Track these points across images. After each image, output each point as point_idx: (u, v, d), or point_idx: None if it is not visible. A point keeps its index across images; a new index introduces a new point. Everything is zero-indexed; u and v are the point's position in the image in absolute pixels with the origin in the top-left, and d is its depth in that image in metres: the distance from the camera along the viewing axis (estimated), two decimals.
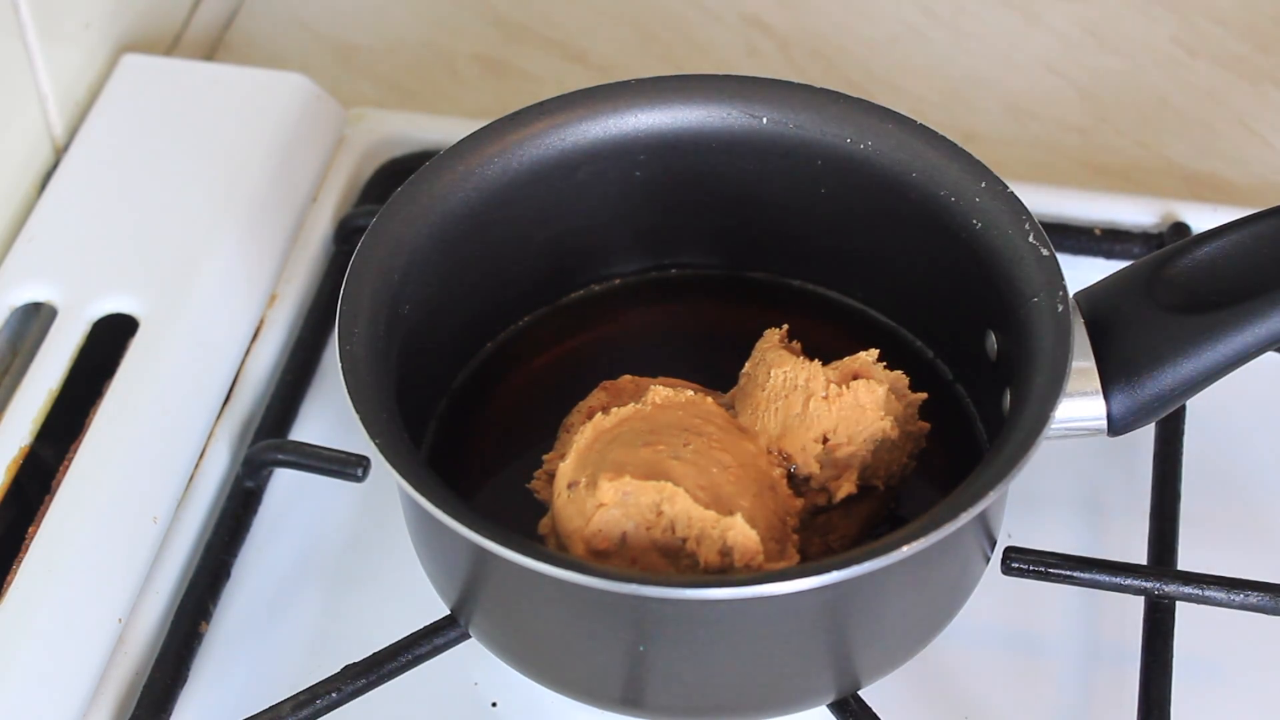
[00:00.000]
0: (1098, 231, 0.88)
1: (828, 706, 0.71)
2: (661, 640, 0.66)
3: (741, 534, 0.66)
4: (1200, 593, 0.74)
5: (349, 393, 0.68)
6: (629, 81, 0.77)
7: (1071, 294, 0.70)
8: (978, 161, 0.73)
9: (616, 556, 0.67)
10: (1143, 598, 0.75)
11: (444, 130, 0.92)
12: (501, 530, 0.64)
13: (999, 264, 0.71)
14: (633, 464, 0.68)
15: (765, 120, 0.76)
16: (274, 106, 0.90)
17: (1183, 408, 0.81)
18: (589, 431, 0.70)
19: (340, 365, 0.68)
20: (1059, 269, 0.70)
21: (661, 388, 0.72)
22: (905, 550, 0.63)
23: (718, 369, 0.76)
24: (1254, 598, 0.74)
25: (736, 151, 0.76)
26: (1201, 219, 0.88)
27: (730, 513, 0.67)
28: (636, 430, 0.70)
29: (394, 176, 0.92)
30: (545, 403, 0.76)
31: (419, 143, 0.93)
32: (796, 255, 0.80)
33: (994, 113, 0.98)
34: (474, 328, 0.79)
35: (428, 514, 0.65)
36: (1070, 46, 1.01)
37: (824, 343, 0.75)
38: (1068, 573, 0.74)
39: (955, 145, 0.74)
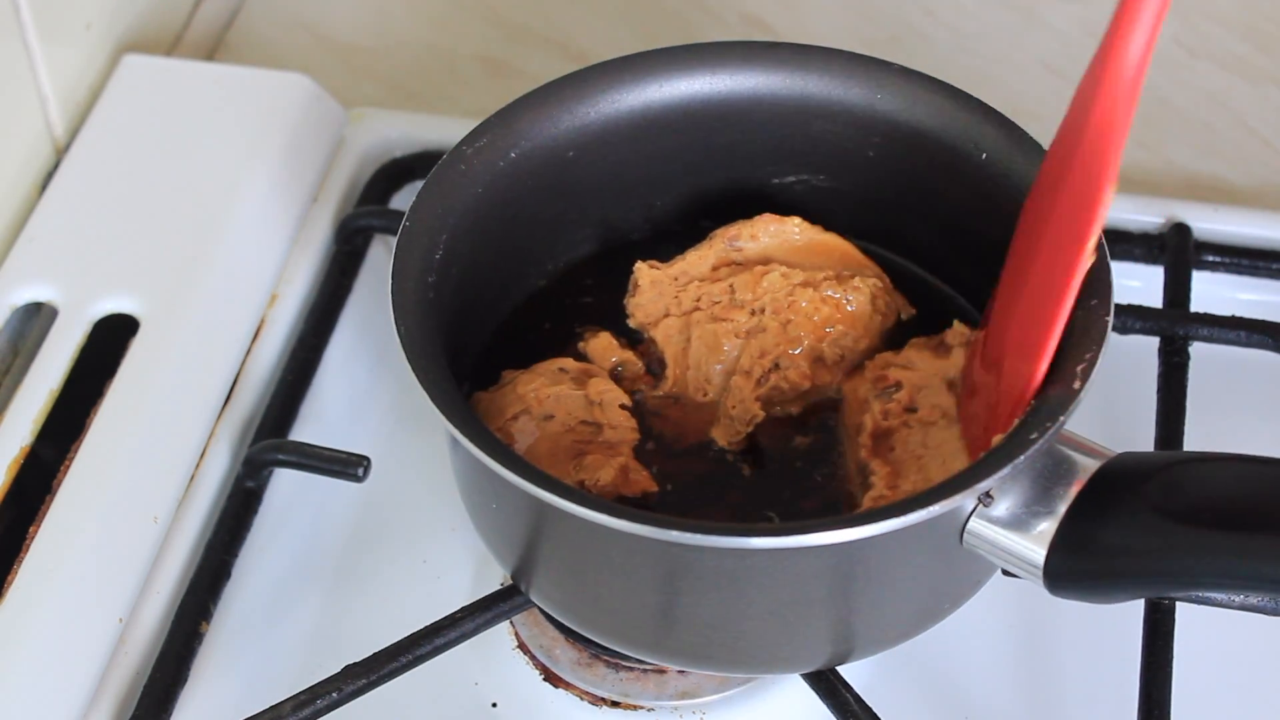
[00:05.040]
0: None
1: (824, 701, 0.71)
2: (690, 586, 0.67)
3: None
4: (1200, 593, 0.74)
5: (408, 357, 0.68)
6: (738, 43, 0.77)
7: (1114, 454, 0.67)
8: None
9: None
10: (1143, 598, 0.75)
11: (444, 130, 0.92)
12: (560, 483, 0.65)
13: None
14: None
15: (878, 98, 0.76)
16: (275, 107, 0.90)
17: (1182, 408, 0.81)
18: None
19: (396, 331, 0.68)
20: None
21: None
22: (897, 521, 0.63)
23: None
24: (1254, 598, 0.73)
25: (841, 121, 0.77)
26: (1202, 219, 0.88)
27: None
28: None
29: (394, 177, 0.92)
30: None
31: (419, 143, 0.93)
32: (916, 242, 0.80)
33: None
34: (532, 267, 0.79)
35: (489, 475, 0.65)
36: (1070, 46, 1.01)
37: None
38: None
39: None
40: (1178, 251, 0.87)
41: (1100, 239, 0.68)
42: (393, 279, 0.70)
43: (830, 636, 0.69)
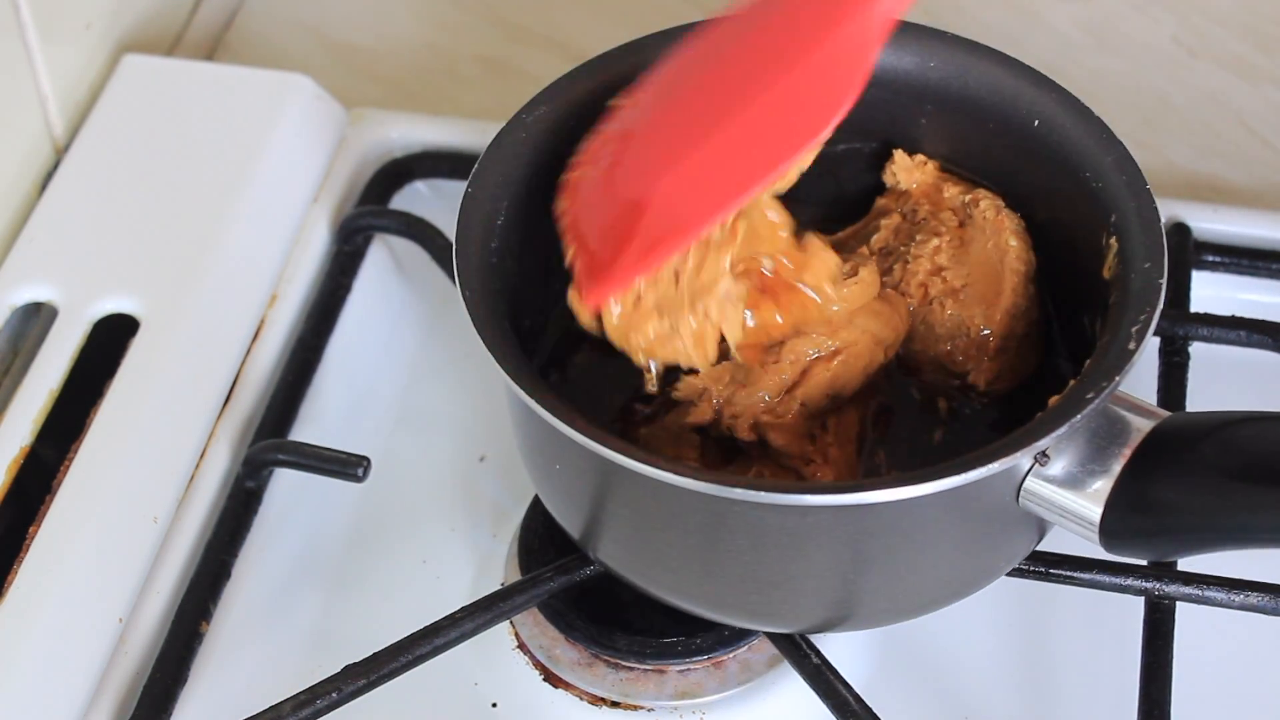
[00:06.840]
0: None
1: (823, 700, 0.71)
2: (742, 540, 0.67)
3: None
4: (1200, 593, 0.74)
5: (474, 322, 0.68)
6: None
7: (1167, 414, 0.68)
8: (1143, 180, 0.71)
9: None
10: (1143, 598, 0.75)
11: (445, 130, 0.92)
12: (628, 444, 0.65)
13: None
14: None
15: (930, 66, 0.76)
16: (275, 107, 0.90)
17: (1182, 408, 0.81)
18: None
19: (462, 295, 0.68)
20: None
21: None
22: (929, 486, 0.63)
23: None
24: (1254, 598, 0.74)
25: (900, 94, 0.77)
26: (1201, 219, 0.88)
27: None
28: None
29: (394, 177, 0.92)
30: None
31: (420, 143, 0.93)
32: None
33: None
34: None
35: (556, 438, 0.66)
36: (1070, 46, 1.01)
37: None
38: (1068, 573, 0.74)
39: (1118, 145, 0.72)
40: (1177, 251, 0.87)
41: (1150, 200, 0.69)
42: (456, 243, 0.70)
43: (886, 595, 0.69)
